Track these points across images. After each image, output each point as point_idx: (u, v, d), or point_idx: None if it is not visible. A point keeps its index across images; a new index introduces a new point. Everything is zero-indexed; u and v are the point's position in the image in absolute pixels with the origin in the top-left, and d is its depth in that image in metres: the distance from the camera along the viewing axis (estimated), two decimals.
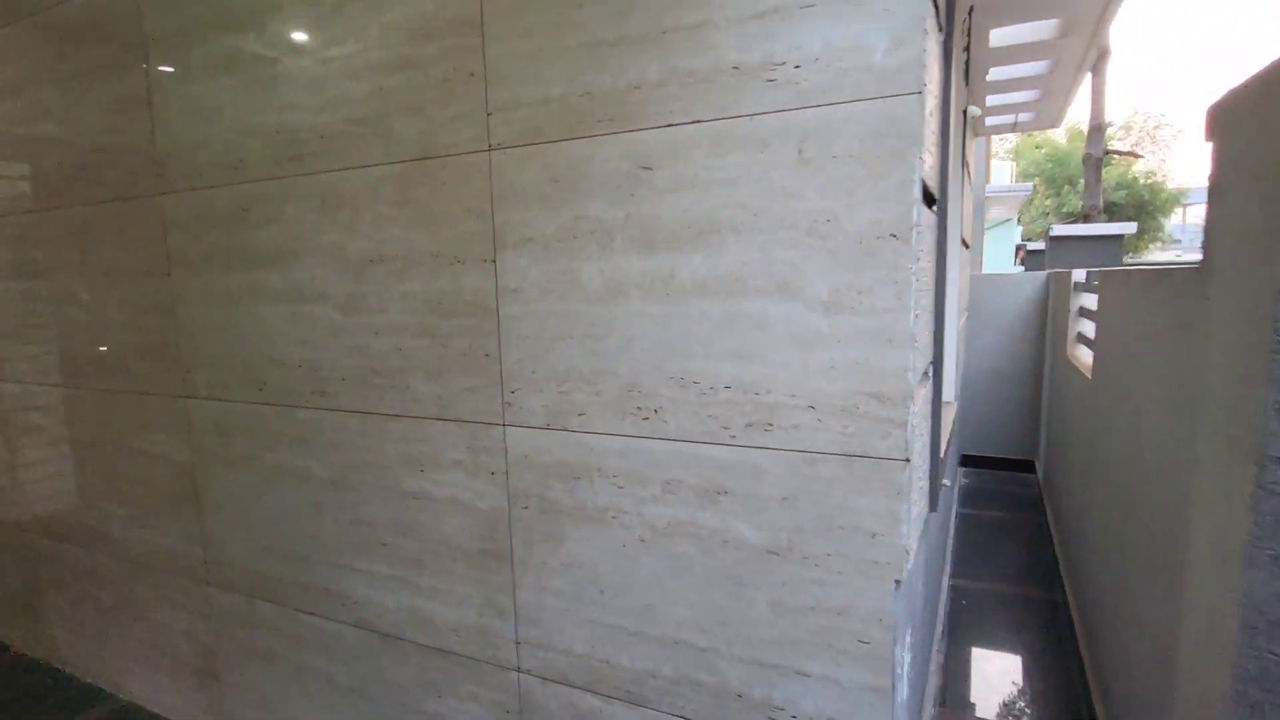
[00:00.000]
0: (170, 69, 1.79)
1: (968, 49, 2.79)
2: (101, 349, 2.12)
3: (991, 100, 4.14)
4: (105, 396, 2.15)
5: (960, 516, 4.18)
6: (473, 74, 1.35)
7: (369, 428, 1.62)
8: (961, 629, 2.91)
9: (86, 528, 2.33)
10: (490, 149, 1.36)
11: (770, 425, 1.17)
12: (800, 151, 1.08)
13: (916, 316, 1.06)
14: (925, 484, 1.38)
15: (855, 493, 1.12)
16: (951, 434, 2.92)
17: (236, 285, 1.77)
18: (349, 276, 1.58)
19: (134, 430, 2.10)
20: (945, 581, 3.15)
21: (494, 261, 1.39)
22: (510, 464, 1.44)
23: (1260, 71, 0.97)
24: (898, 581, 1.11)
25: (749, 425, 1.19)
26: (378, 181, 1.50)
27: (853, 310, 1.08)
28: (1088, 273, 3.12)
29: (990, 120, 4.82)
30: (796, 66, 1.07)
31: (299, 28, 1.55)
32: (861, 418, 1.10)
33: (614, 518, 1.34)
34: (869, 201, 1.05)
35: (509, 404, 1.42)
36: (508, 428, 1.43)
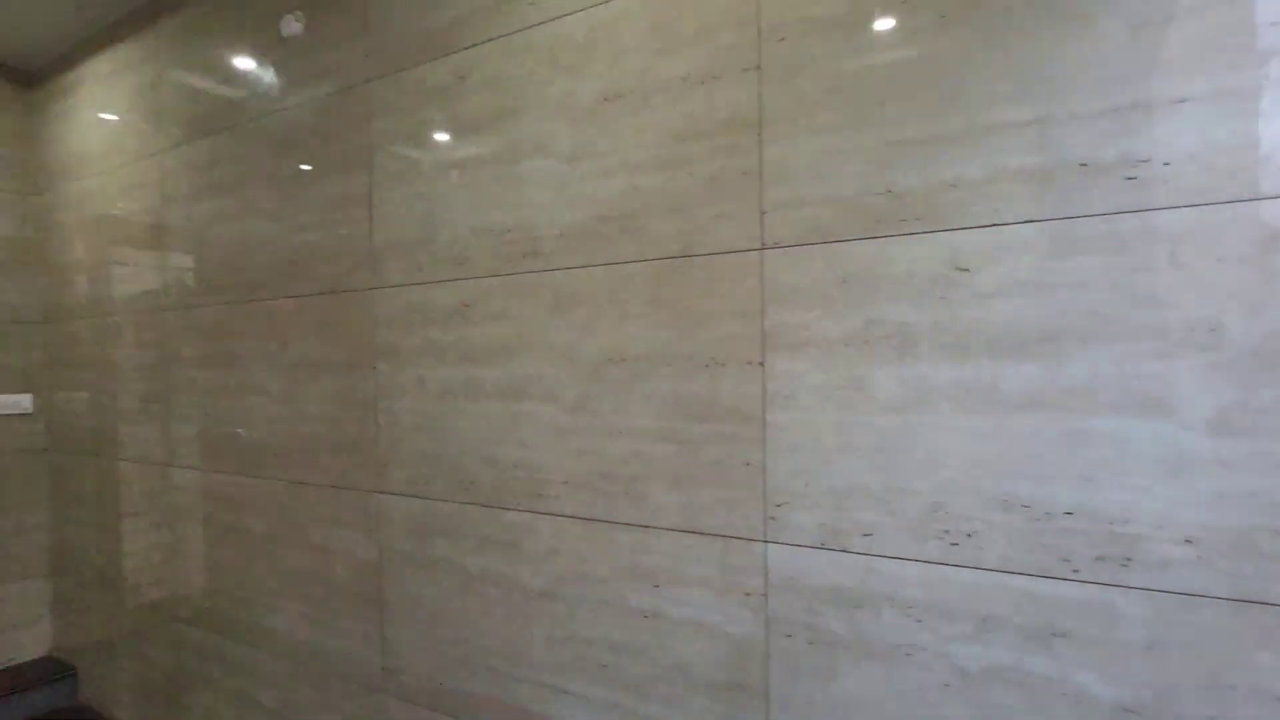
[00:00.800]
0: (396, 168, 1.83)
1: None
2: (291, 441, 2.12)
3: None
4: (288, 488, 2.13)
5: None
6: (745, 173, 1.32)
7: (594, 536, 1.52)
8: None
9: (250, 623, 2.27)
10: (763, 248, 1.30)
11: (1129, 560, 1.02)
12: (1172, 254, 0.98)
13: None
14: None
15: (1252, 645, 0.95)
16: None
17: (450, 381, 1.74)
18: (581, 376, 1.52)
19: (317, 524, 2.06)
20: None
21: (761, 365, 1.30)
22: (771, 586, 1.31)
23: None
24: None
25: (1098, 559, 1.04)
26: (623, 280, 1.46)
27: (1249, 433, 0.94)
28: None
29: None
30: (1165, 164, 0.98)
31: (546, 129, 1.56)
32: (1262, 557, 0.94)
33: (908, 655, 1.18)
34: (1266, 311, 0.93)
35: (773, 519, 1.30)
36: (770, 544, 1.31)
